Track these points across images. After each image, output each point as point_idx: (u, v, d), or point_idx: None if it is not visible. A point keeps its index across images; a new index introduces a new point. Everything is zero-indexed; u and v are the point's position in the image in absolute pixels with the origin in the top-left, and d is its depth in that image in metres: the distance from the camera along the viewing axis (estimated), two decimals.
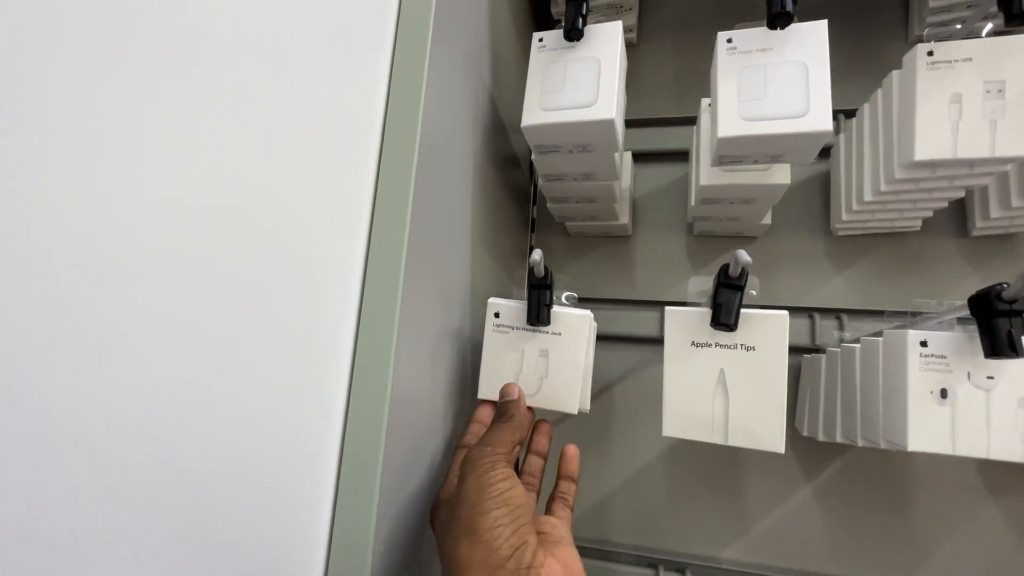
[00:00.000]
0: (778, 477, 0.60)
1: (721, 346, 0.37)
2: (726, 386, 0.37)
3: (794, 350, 0.60)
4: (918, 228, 0.58)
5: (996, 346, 0.32)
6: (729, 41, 0.43)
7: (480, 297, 0.50)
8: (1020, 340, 0.32)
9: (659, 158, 0.70)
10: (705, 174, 0.51)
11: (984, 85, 0.42)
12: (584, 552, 0.61)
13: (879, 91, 0.50)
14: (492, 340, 0.44)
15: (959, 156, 0.42)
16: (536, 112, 0.44)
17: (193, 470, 0.23)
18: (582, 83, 0.43)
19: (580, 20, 0.43)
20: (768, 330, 0.36)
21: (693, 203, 0.56)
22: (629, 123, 0.69)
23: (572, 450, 0.43)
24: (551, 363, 0.43)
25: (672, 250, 0.68)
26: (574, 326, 0.43)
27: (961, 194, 0.48)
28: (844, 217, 0.56)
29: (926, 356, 0.35)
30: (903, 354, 0.36)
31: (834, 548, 0.57)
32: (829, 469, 0.59)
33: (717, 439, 0.37)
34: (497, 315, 0.44)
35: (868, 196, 0.51)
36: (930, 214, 0.54)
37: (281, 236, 0.29)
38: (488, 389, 0.45)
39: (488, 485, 0.30)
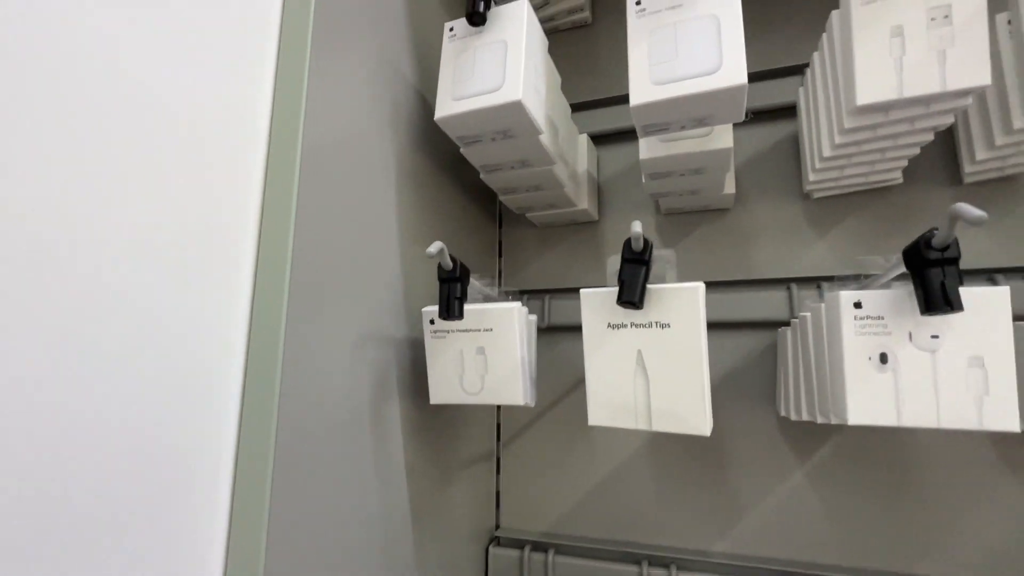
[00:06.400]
0: (767, 464, 0.56)
1: (636, 326, 0.35)
2: (645, 368, 0.35)
3: (774, 324, 0.56)
4: (900, 180, 0.52)
5: (930, 300, 0.28)
6: (638, 3, 0.41)
7: (423, 300, 0.50)
8: (956, 291, 0.28)
9: (621, 138, 0.67)
10: (644, 147, 0.49)
11: (928, 12, 0.37)
12: (568, 551, 0.59)
13: (824, 36, 0.45)
14: (432, 346, 0.44)
15: (907, 95, 0.38)
16: (448, 103, 0.43)
17: (57, 490, 0.23)
18: (489, 68, 0.42)
19: (481, 4, 0.42)
20: (681, 304, 0.33)
21: (644, 180, 0.54)
22: (587, 104, 0.67)
23: None
24: (489, 359, 0.42)
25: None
26: (504, 319, 0.42)
27: (930, 137, 0.43)
28: (811, 177, 0.52)
29: (861, 319, 0.32)
30: (837, 318, 0.33)
31: (832, 536, 0.53)
32: (821, 451, 0.54)
33: (642, 425, 0.35)
34: (432, 322, 0.44)
35: (827, 151, 0.46)
36: (905, 163, 0.49)
37: (159, 248, 0.30)
38: (436, 394, 0.44)
39: None
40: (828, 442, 0.54)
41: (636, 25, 0.40)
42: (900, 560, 0.50)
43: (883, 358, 0.31)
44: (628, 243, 0.33)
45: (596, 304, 0.36)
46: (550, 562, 0.58)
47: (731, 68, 0.36)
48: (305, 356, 0.34)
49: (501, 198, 0.60)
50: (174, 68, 0.30)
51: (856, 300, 0.32)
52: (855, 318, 0.32)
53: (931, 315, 0.29)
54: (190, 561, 0.29)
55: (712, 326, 0.59)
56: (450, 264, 0.37)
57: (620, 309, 0.35)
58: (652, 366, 0.34)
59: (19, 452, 0.22)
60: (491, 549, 0.61)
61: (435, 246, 0.36)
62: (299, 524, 0.32)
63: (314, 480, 0.34)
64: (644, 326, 0.34)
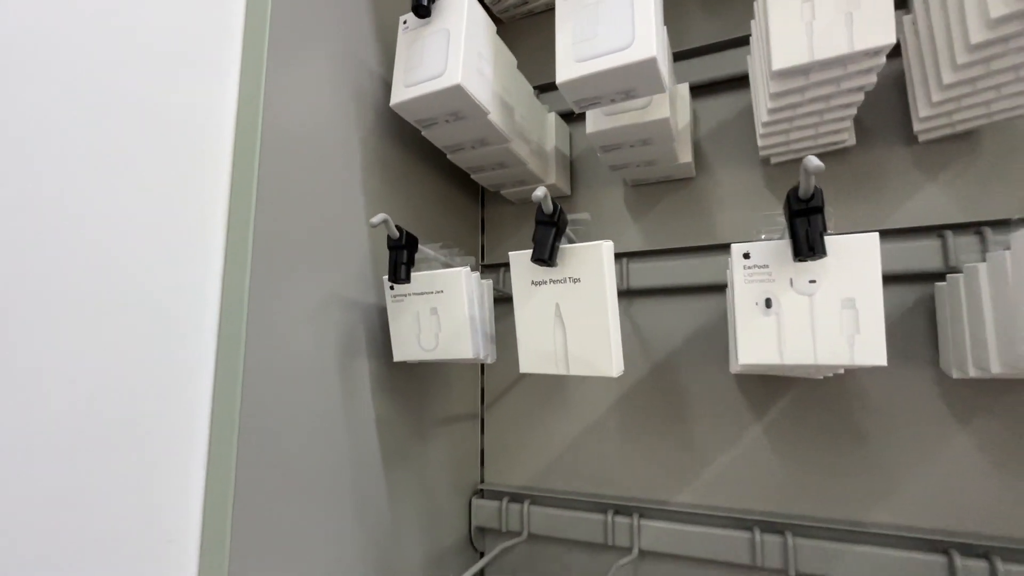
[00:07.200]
0: (726, 419, 0.58)
1: (554, 282, 0.39)
2: (562, 319, 0.39)
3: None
4: (852, 142, 0.54)
5: (796, 247, 0.31)
6: None
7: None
8: (818, 238, 0.31)
9: None
10: (590, 122, 0.52)
11: None
12: (542, 501, 0.64)
13: (755, 3, 0.47)
14: (393, 309, 0.49)
15: (818, 58, 0.40)
16: (401, 90, 0.48)
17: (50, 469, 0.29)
18: (434, 55, 0.47)
19: None
20: (588, 260, 0.37)
21: (598, 153, 0.57)
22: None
23: None
24: (441, 319, 0.47)
25: (611, 203, 0.68)
26: (453, 282, 0.46)
27: (860, 97, 0.45)
28: (759, 143, 0.53)
29: (749, 268, 0.35)
30: (732, 269, 0.36)
31: (788, 487, 0.55)
32: (777, 406, 0.56)
33: (561, 370, 0.39)
34: (392, 287, 0.49)
35: (764, 117, 0.48)
36: (848, 124, 0.50)
37: (139, 231, 0.36)
38: (398, 351, 0.50)
39: None
40: (784, 397, 0.56)
41: (563, 6, 0.43)
42: (854, 509, 0.53)
43: (768, 303, 0.34)
44: (540, 207, 0.37)
45: (522, 264, 0.41)
46: (525, 511, 0.63)
47: (641, 43, 0.39)
48: (269, 318, 0.39)
49: (473, 176, 0.64)
50: (143, 63, 0.36)
51: (745, 251, 0.35)
52: (744, 267, 0.35)
53: (799, 261, 0.32)
54: (170, 511, 0.35)
55: (677, 291, 0.63)
56: (396, 233, 0.42)
57: (542, 268, 0.39)
58: (568, 317, 0.38)
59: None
60: (473, 500, 0.67)
61: (378, 217, 0.41)
62: (267, 461, 0.38)
63: (281, 425, 0.40)
64: (560, 281, 0.39)
